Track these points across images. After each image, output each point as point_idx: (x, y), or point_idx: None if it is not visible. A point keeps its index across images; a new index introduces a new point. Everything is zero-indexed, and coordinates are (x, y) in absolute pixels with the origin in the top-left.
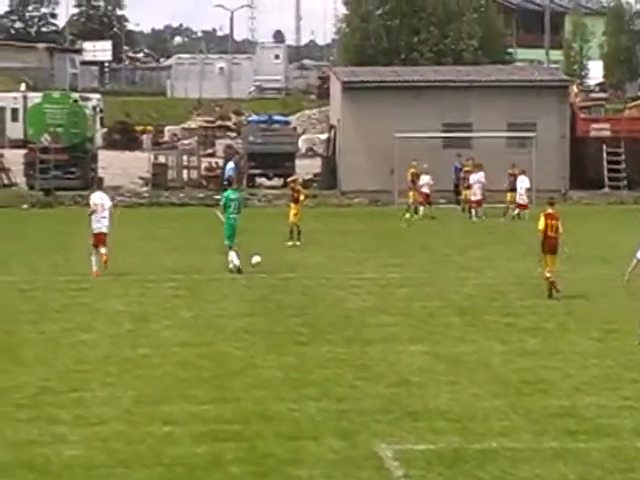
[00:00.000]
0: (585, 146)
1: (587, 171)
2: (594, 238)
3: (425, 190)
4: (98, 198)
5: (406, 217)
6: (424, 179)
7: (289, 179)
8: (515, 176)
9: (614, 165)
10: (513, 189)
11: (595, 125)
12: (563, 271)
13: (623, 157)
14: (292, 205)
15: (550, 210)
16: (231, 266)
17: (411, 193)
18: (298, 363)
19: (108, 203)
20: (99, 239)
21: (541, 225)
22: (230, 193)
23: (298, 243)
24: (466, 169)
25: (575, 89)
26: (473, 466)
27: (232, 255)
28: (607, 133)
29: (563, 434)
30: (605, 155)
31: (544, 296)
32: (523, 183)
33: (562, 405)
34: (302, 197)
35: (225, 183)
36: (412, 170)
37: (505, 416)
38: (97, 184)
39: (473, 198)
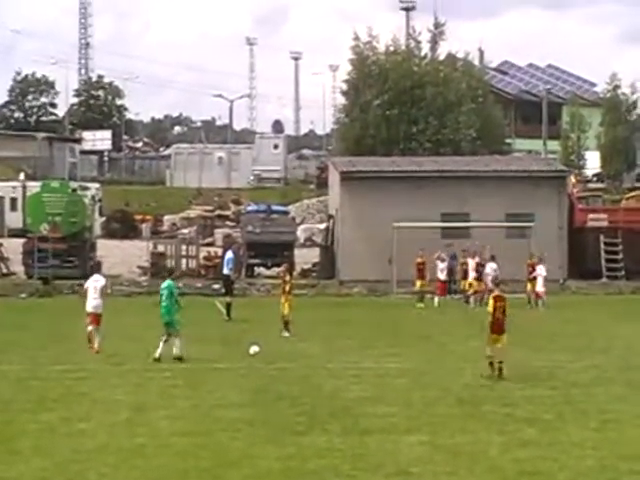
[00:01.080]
0: (583, 236)
1: (585, 261)
2: (592, 328)
3: (442, 277)
4: (92, 281)
5: (419, 306)
6: (440, 266)
7: (278, 270)
8: (534, 266)
9: (612, 255)
10: (534, 278)
11: (593, 215)
12: (562, 361)
13: (621, 247)
14: (283, 296)
15: (497, 292)
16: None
17: (418, 282)
18: (296, 453)
19: (101, 284)
20: (92, 319)
21: (490, 308)
22: (164, 283)
23: (287, 334)
24: (461, 260)
25: (573, 179)
26: None
27: (161, 343)
28: (605, 223)
29: None
30: (603, 245)
31: (543, 386)
32: (541, 272)
33: None
34: (287, 287)
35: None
36: (419, 260)
37: None
38: (95, 268)
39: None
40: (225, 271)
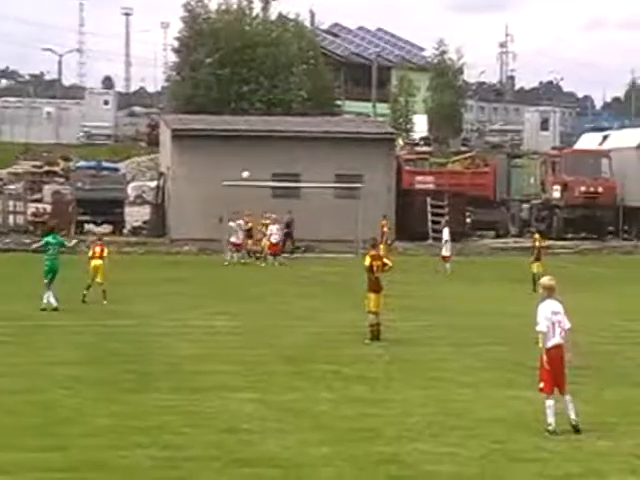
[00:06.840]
0: (410, 198)
1: (412, 222)
2: (418, 288)
3: (274, 240)
4: None
5: (262, 265)
6: (272, 229)
7: (90, 240)
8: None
9: (438, 217)
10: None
11: (420, 178)
12: (390, 320)
13: (446, 210)
14: (93, 261)
15: (373, 252)
16: (44, 303)
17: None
18: (127, 411)
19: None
20: None
21: (367, 262)
22: (50, 237)
23: (105, 302)
24: (264, 222)
25: (401, 142)
26: None
27: (48, 294)
28: (431, 186)
29: None
30: (429, 207)
31: (371, 345)
32: (444, 235)
33: (385, 452)
34: (106, 252)
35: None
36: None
37: (331, 462)
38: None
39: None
40: None
